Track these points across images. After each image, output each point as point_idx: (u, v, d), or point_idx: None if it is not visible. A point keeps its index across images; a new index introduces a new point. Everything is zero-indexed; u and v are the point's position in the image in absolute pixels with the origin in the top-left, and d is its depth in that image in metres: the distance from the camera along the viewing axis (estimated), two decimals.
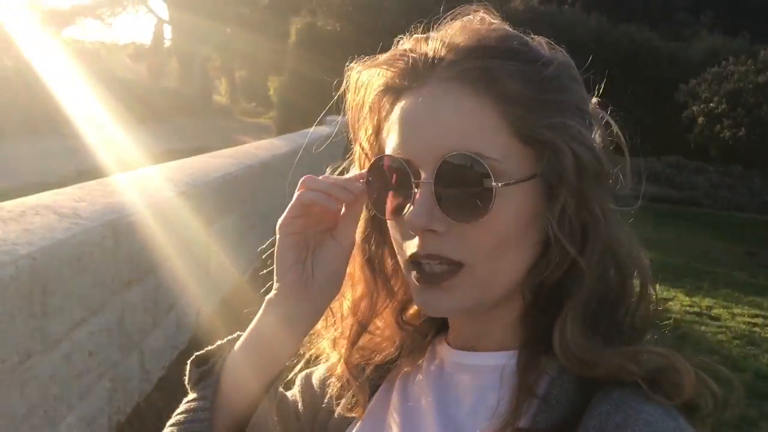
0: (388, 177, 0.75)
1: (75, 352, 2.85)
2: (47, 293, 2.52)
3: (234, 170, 5.83)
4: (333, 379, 0.87)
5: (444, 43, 0.73)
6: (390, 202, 0.75)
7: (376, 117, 0.79)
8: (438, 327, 0.86)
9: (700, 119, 15.72)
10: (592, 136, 0.73)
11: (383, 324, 0.85)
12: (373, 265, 0.82)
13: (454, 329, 0.81)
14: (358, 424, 0.82)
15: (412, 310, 0.86)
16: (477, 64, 0.70)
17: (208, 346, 0.83)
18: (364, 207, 0.80)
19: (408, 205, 0.72)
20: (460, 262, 0.70)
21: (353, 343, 0.83)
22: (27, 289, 2.37)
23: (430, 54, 0.73)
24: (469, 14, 0.77)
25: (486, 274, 0.71)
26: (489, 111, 0.70)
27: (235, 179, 5.78)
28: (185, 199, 4.36)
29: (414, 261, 0.72)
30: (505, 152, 0.69)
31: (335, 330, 0.84)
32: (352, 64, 0.79)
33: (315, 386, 0.91)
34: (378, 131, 0.79)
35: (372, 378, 0.84)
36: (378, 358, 0.85)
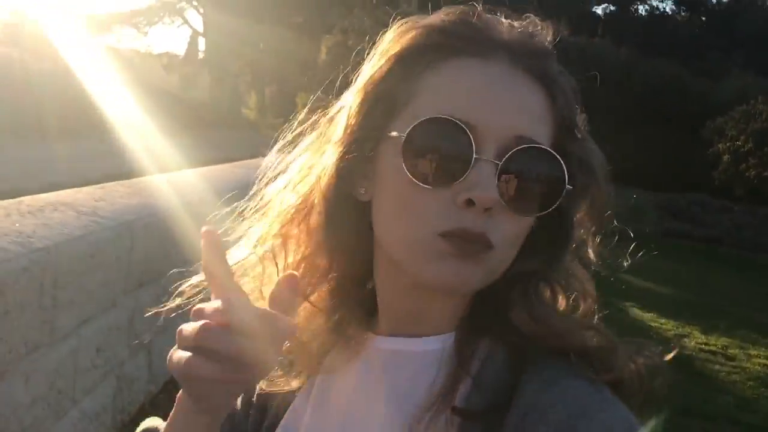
0: (437, 141, 0.69)
1: (82, 347, 2.90)
2: (58, 287, 2.57)
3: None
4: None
5: (518, 28, 0.74)
6: (434, 168, 0.69)
7: (396, 74, 0.73)
8: (356, 320, 0.81)
9: (726, 157, 15.56)
10: None
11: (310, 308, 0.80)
12: (328, 230, 0.76)
13: (389, 314, 0.78)
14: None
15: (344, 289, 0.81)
16: (551, 67, 0.73)
17: None
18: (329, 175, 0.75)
19: (463, 176, 0.67)
20: (493, 246, 0.68)
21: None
22: (38, 282, 2.42)
23: (504, 33, 0.73)
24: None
25: (503, 260, 0.71)
26: (549, 110, 0.72)
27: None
28: (204, 206, 4.42)
29: (452, 234, 0.68)
30: (558, 153, 0.71)
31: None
32: (398, 22, 0.76)
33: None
34: (389, 88, 0.73)
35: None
36: (299, 365, 0.83)
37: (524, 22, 0.76)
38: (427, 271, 0.69)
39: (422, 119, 0.69)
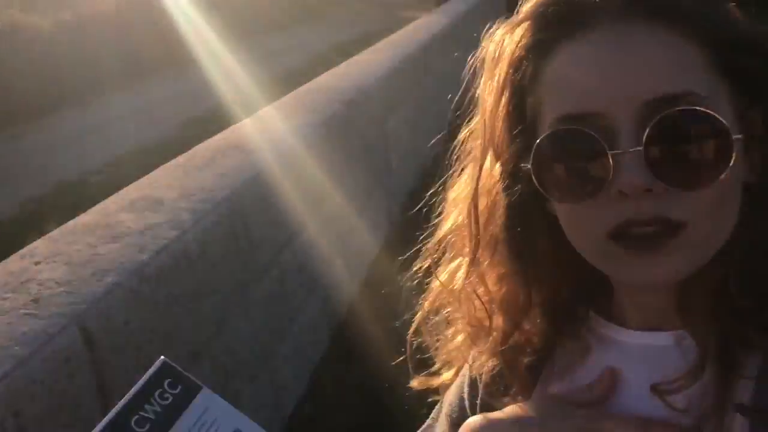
0: (566, 156, 0.65)
1: (285, 272, 3.13)
2: (249, 228, 2.76)
3: (395, 64, 5.76)
4: (480, 374, 0.82)
5: None
6: (574, 186, 0.65)
7: (516, 83, 0.70)
8: (586, 307, 0.78)
9: None
10: None
11: (533, 315, 0.78)
12: (523, 255, 0.74)
13: (634, 308, 0.73)
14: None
15: (561, 295, 0.78)
16: None
17: None
18: (501, 191, 0.73)
19: (608, 177, 0.62)
20: (683, 223, 0.61)
21: (504, 342, 0.78)
22: (230, 230, 2.61)
23: None
24: None
25: (707, 233, 0.63)
26: (684, 43, 0.61)
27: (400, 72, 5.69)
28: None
29: (619, 231, 0.63)
30: (712, 89, 0.61)
31: (488, 327, 0.78)
32: (491, 30, 0.72)
33: None
34: (517, 100, 0.70)
35: (525, 376, 0.79)
36: (528, 354, 0.79)
37: None
38: (619, 274, 0.67)
39: (538, 140, 0.66)
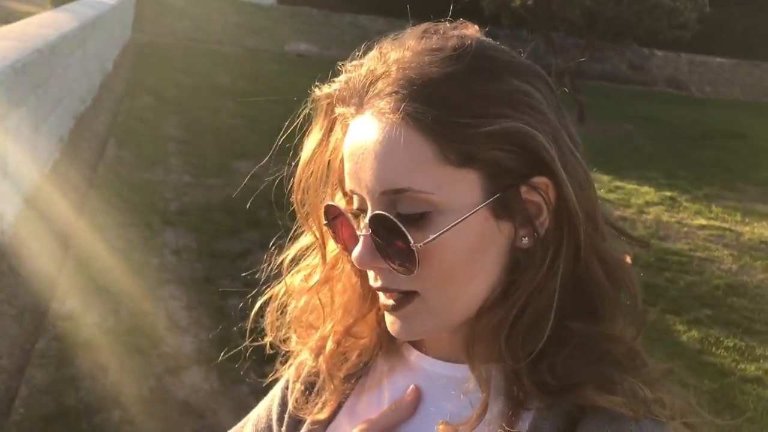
0: (336, 223, 0.75)
1: None
2: None
3: (23, 56, 5.22)
4: (295, 383, 0.86)
5: (376, 65, 0.71)
6: (342, 246, 0.75)
7: (334, 139, 0.76)
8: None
9: None
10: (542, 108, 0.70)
11: (363, 324, 0.83)
12: (362, 270, 0.77)
13: (438, 340, 0.78)
14: None
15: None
16: (402, 92, 0.67)
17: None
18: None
19: (354, 248, 0.71)
20: (414, 291, 0.70)
21: (336, 345, 0.82)
22: None
23: (365, 78, 0.71)
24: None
25: (439, 302, 0.70)
26: (424, 143, 0.67)
27: (24, 67, 5.19)
28: None
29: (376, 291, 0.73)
30: (439, 182, 0.67)
31: (324, 328, 0.83)
32: (316, 88, 0.76)
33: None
34: (333, 153, 0.77)
35: (340, 386, 0.83)
36: (350, 362, 0.83)
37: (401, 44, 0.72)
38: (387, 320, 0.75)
39: (323, 207, 0.76)
